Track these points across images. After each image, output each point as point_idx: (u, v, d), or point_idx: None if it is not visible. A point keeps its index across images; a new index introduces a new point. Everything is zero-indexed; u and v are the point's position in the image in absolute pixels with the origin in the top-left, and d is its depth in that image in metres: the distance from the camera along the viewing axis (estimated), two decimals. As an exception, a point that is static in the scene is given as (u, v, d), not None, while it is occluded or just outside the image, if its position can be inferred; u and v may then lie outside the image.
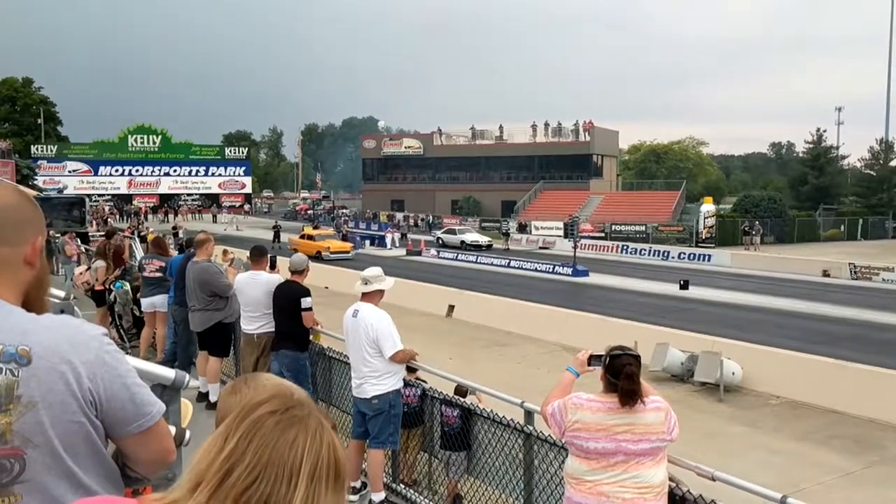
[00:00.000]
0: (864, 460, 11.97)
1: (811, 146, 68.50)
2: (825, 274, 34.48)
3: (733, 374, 15.40)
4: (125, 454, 1.68)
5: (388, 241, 47.87)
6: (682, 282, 29.51)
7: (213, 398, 8.21)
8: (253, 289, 7.58)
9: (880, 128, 68.10)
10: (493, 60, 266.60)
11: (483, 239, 47.45)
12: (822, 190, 63.25)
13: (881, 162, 65.04)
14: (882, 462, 11.94)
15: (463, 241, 46.00)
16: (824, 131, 68.67)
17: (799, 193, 64.77)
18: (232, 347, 8.66)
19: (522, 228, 54.65)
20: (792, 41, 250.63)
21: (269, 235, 44.91)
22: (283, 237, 44.76)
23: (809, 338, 19.61)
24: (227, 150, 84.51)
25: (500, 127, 70.08)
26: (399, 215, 66.35)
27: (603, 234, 50.82)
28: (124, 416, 1.59)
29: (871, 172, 65.68)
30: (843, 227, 55.32)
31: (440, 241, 47.59)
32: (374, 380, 5.82)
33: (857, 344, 19.25)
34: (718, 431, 13.19)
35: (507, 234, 51.48)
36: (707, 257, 41.22)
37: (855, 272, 33.94)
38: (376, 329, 5.76)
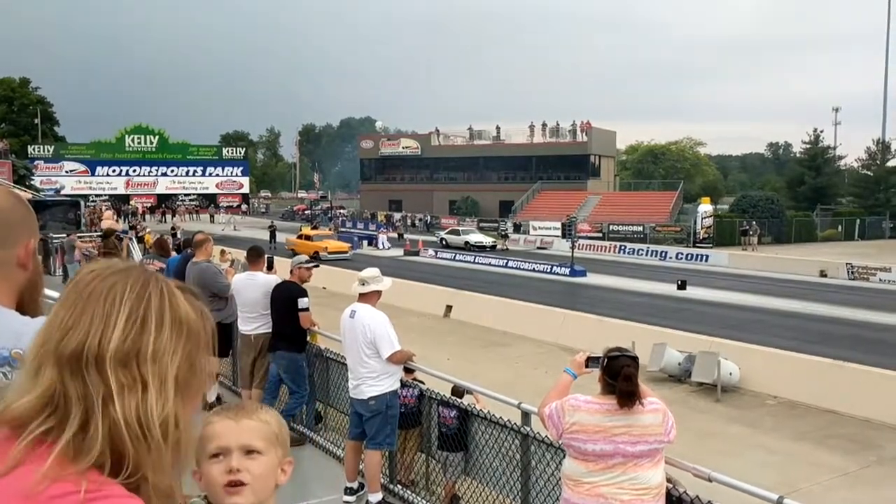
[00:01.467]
0: (862, 460, 11.98)
1: (808, 146, 68.57)
2: (822, 274, 34.52)
3: (731, 374, 15.41)
4: None
5: (380, 241, 47.63)
6: (679, 282, 29.52)
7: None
8: (250, 290, 7.58)
9: (877, 128, 68.13)
10: (491, 60, 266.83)
11: (487, 239, 47.36)
12: (819, 190, 63.30)
13: (878, 162, 65.16)
14: (879, 462, 11.96)
15: (467, 242, 45.84)
16: (821, 132, 68.80)
17: (796, 194, 64.82)
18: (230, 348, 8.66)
19: (517, 228, 54.65)
20: (789, 40, 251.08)
21: (267, 235, 44.92)
22: (280, 237, 44.70)
23: (806, 338, 19.63)
24: (224, 151, 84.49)
25: (498, 127, 70.18)
26: (397, 215, 66.36)
27: (600, 235, 50.84)
28: None
29: (868, 173, 65.79)
30: (840, 228, 55.39)
31: (444, 242, 47.41)
32: (371, 381, 5.82)
33: (855, 344, 19.27)
34: (716, 431, 13.21)
35: (505, 235, 51.47)
36: (704, 257, 41.26)
37: (852, 272, 33.99)
38: (373, 330, 5.76)
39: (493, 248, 45.81)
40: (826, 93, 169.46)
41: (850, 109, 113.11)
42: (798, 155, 79.12)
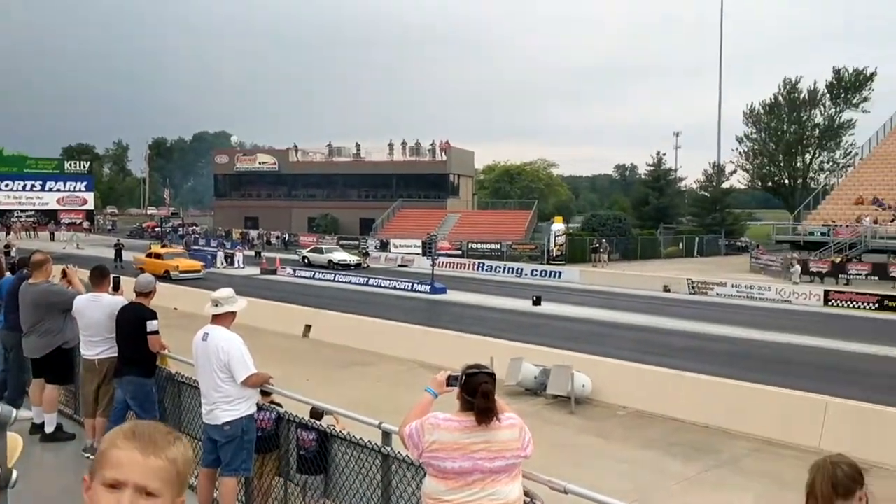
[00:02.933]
0: (702, 465, 12.72)
1: (652, 168, 72.80)
2: (666, 289, 36.59)
3: (583, 386, 15.99)
4: None
5: (230, 259, 46.31)
6: (535, 298, 30.48)
7: (48, 429, 7.65)
8: (94, 311, 7.13)
9: (713, 152, 73.34)
10: (350, 78, 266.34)
11: (352, 258, 46.83)
12: (662, 210, 67.32)
13: (714, 184, 70.07)
14: (717, 466, 12.74)
15: (331, 261, 45.07)
16: (664, 154, 73.31)
17: (642, 213, 68.55)
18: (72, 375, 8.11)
19: (384, 246, 54.56)
20: (635, 69, 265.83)
21: (112, 254, 42.73)
22: (128, 256, 42.56)
23: (652, 350, 20.70)
24: (66, 164, 79.88)
25: (357, 145, 70.07)
26: (253, 233, 64.86)
27: (460, 252, 51.72)
28: None
29: (706, 194, 70.55)
30: (681, 245, 58.97)
31: (306, 261, 46.58)
32: (225, 405, 5.61)
33: (694, 355, 20.52)
34: (569, 443, 13.64)
35: (366, 253, 51.30)
36: (558, 274, 42.76)
37: (692, 287, 36.23)
38: (228, 352, 5.57)
39: (357, 266, 45.47)
40: (668, 118, 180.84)
41: (690, 134, 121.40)
42: (643, 176, 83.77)
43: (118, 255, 42.66)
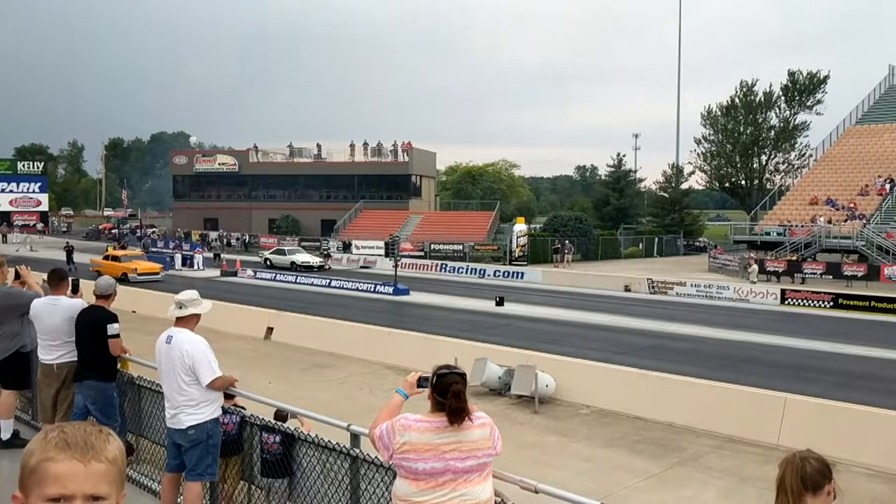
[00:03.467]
0: (666, 462, 12.86)
1: (612, 170, 73.49)
2: (627, 289, 36.96)
3: (547, 386, 16.07)
4: None
5: (177, 261, 45.84)
6: (497, 298, 30.57)
7: (4, 436, 7.45)
8: (52, 315, 6.95)
9: (672, 153, 74.34)
10: (310, 79, 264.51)
11: (315, 260, 46.38)
12: (622, 210, 67.96)
13: (673, 185, 70.96)
14: (681, 463, 12.88)
15: (293, 262, 44.63)
16: (624, 156, 74.06)
17: (602, 214, 69.13)
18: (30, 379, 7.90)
19: (346, 247, 54.24)
20: (595, 71, 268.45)
21: (63, 256, 42.03)
22: (83, 258, 41.76)
23: (614, 349, 20.89)
24: (19, 165, 78.31)
25: (318, 145, 69.57)
26: (213, 234, 64.08)
27: (422, 253, 51.66)
28: None
29: (665, 194, 71.41)
30: (641, 245, 59.58)
31: (268, 262, 46.07)
32: (190, 409, 5.51)
33: (656, 353, 20.75)
34: (534, 442, 13.69)
35: (327, 255, 51.00)
36: (520, 275, 42.94)
37: (652, 287, 36.63)
38: (192, 355, 5.46)
39: (321, 268, 45.09)
40: (628, 120, 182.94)
41: (649, 136, 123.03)
42: (603, 177, 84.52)
43: (69, 257, 41.93)
